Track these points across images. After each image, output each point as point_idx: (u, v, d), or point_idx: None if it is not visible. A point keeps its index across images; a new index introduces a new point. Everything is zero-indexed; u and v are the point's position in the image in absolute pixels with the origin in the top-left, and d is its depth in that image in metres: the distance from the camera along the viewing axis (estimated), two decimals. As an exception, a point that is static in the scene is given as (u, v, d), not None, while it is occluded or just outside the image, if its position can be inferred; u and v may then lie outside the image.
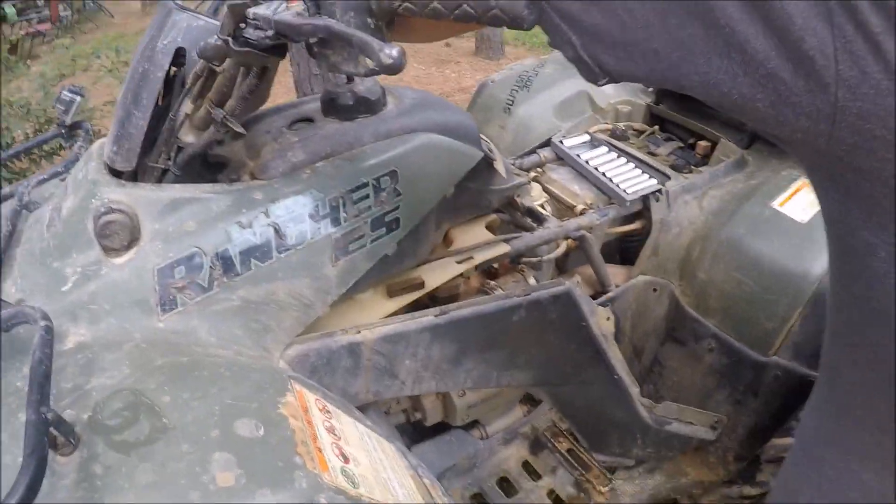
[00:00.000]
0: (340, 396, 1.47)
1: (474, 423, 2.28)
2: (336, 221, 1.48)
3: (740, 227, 2.14)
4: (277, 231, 1.41)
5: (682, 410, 2.22)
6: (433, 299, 1.96)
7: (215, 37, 1.25)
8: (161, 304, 1.29)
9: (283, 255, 1.42)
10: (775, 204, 2.16)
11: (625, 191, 2.21)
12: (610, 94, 2.74)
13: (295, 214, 1.43)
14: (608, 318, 1.95)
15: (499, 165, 1.93)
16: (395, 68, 0.98)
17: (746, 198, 2.21)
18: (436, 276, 1.79)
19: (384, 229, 1.56)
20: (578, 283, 1.80)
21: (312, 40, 1.10)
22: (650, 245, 2.28)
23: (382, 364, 1.59)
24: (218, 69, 1.32)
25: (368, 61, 1.02)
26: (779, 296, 2.01)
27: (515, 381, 1.86)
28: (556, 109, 2.64)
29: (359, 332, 1.54)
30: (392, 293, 1.71)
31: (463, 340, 1.67)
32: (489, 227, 2.03)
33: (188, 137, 1.41)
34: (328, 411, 1.25)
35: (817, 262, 1.99)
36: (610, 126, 2.62)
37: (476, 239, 1.93)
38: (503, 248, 1.91)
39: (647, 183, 2.27)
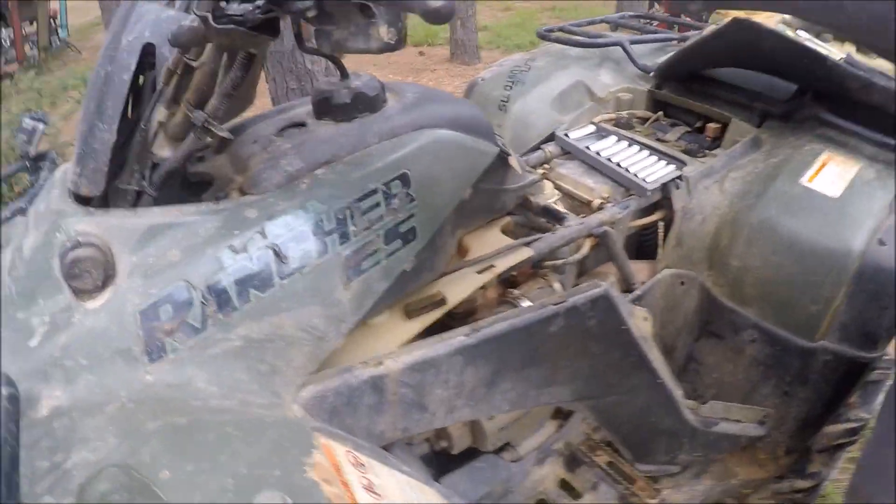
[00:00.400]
0: (365, 438, 1.22)
1: (504, 445, 2.02)
2: (345, 237, 1.24)
3: (771, 207, 1.91)
4: (277, 253, 1.17)
5: (728, 408, 1.99)
6: (450, 317, 1.70)
7: (192, 16, 0.99)
8: (148, 353, 1.05)
9: (286, 282, 1.18)
10: (804, 180, 1.94)
11: (644, 180, 1.97)
12: (608, 82, 2.50)
13: (296, 232, 1.19)
14: (645, 318, 1.71)
15: (514, 162, 1.68)
16: (444, 15, 0.73)
17: (772, 177, 1.98)
18: (456, 290, 1.54)
19: (400, 241, 1.32)
20: (613, 284, 1.56)
21: (311, 13, 0.84)
22: (673, 236, 2.04)
23: (410, 397, 1.34)
24: (195, 63, 1.07)
25: (383, 32, 0.77)
26: (821, 276, 1.80)
27: (555, 398, 1.61)
28: (554, 102, 2.40)
29: (381, 363, 1.29)
30: (411, 314, 1.46)
31: (499, 360, 1.42)
32: (504, 232, 1.78)
33: (164, 151, 1.17)
34: (362, 464, 1.00)
35: (857, 237, 1.80)
36: (613, 115, 2.38)
37: (492, 245, 1.68)
38: (526, 253, 1.66)
39: (665, 170, 2.03)
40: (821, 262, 1.80)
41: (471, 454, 1.93)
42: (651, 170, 2.03)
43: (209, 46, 1.09)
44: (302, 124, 1.40)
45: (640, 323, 1.67)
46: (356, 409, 1.28)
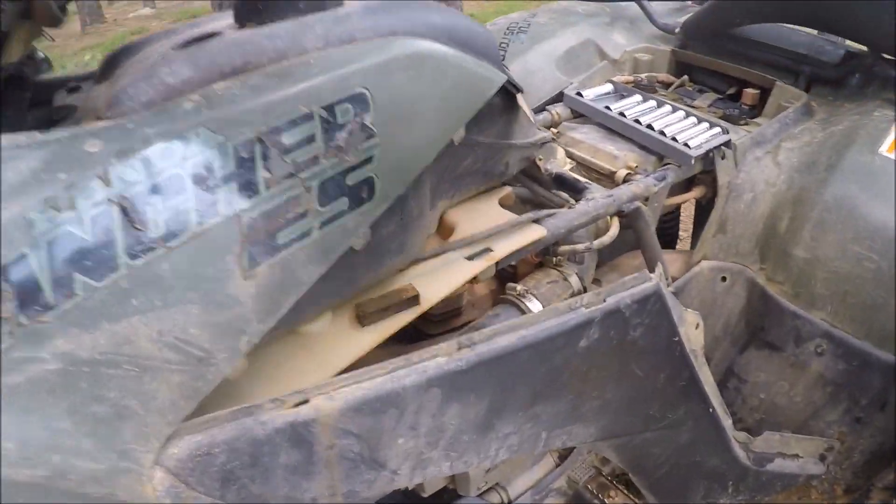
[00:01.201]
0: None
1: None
2: (250, 189, 0.73)
3: (850, 183, 1.37)
4: (126, 212, 0.66)
5: (786, 441, 1.44)
6: (424, 323, 1.14)
7: None
8: None
9: (140, 262, 0.66)
10: (883, 150, 1.39)
11: (685, 144, 1.39)
12: (621, 43, 1.94)
13: (163, 179, 0.67)
14: (697, 326, 1.14)
15: (523, 104, 1.12)
16: None
17: (843, 146, 1.43)
18: (436, 283, 0.98)
19: (346, 200, 0.78)
20: (661, 276, 0.99)
21: None
22: (715, 219, 1.49)
23: (355, 451, 0.79)
24: None
25: None
26: None
27: (575, 439, 1.05)
28: (560, 61, 1.84)
29: (305, 400, 0.72)
30: (365, 318, 0.89)
31: (498, 392, 0.86)
32: (503, 207, 1.21)
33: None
34: None
35: None
36: (631, 78, 1.81)
37: (488, 223, 1.11)
38: (536, 232, 1.10)
39: (709, 134, 1.47)
40: None
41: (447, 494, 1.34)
42: (690, 133, 1.46)
43: None
44: (216, 34, 0.83)
45: (692, 332, 1.10)
46: (267, 472, 0.74)
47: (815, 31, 1.88)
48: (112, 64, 0.86)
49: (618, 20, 2.04)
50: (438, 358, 0.78)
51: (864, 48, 1.69)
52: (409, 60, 0.83)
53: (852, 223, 1.33)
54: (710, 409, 1.19)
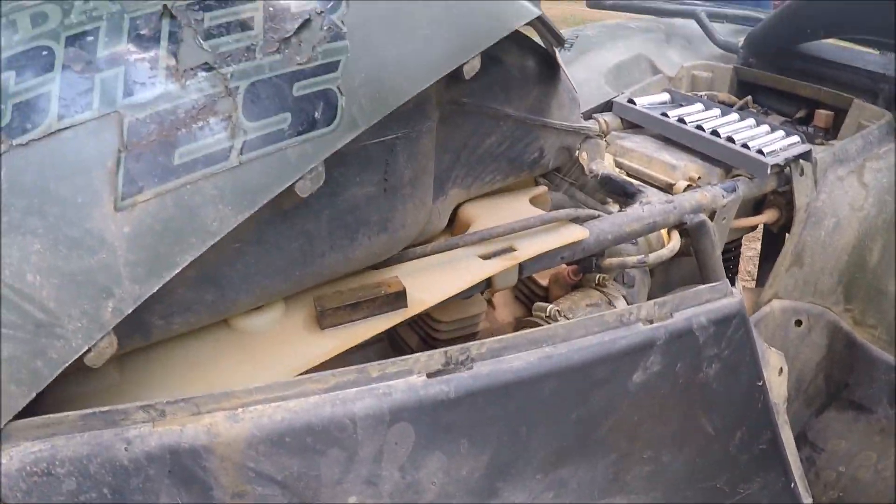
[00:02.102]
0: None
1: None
2: (142, 78, 0.45)
3: None
4: None
5: None
6: (423, 346, 0.83)
7: None
8: None
9: None
10: None
11: (759, 152, 1.08)
12: (677, 60, 1.64)
13: (24, 50, 0.43)
14: (780, 371, 0.81)
15: (566, 73, 0.82)
16: None
17: None
18: (435, 283, 0.67)
19: (288, 118, 0.48)
20: (740, 292, 0.68)
21: None
22: (790, 248, 1.16)
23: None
24: None
25: None
26: None
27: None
28: (609, 75, 1.55)
29: (198, 413, 0.40)
30: (326, 316, 0.58)
31: (507, 439, 0.53)
32: (536, 206, 0.91)
33: None
34: None
35: None
36: (689, 93, 1.50)
37: (515, 219, 0.80)
38: (575, 234, 0.79)
39: (787, 142, 1.15)
40: None
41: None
42: (764, 141, 1.15)
43: None
44: None
45: (775, 379, 0.77)
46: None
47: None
48: None
49: (673, 37, 1.76)
50: (413, 377, 0.46)
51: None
52: None
53: None
54: (792, 484, 0.85)
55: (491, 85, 0.77)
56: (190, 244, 0.45)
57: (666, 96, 1.39)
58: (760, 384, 0.71)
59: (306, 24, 0.48)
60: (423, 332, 0.87)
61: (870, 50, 1.61)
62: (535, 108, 0.84)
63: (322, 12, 0.50)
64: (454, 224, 0.87)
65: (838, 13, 1.43)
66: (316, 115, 0.50)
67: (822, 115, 1.48)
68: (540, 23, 0.73)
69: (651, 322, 0.56)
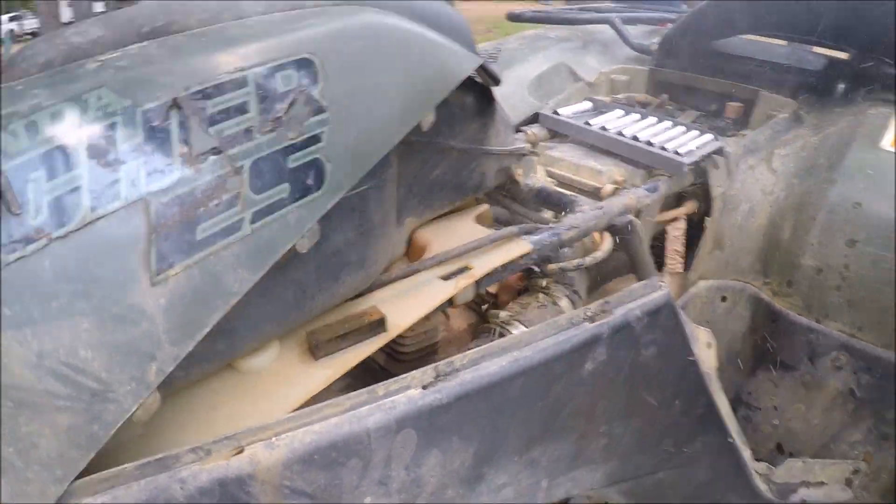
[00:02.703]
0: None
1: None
2: (162, 166, 0.55)
3: (855, 181, 1.20)
4: (0, 191, 0.48)
5: (809, 467, 1.23)
6: (393, 359, 0.94)
7: None
8: None
9: (13, 258, 0.48)
10: (886, 145, 1.23)
11: (676, 153, 1.22)
12: (595, 65, 1.79)
13: (51, 149, 0.50)
14: (709, 345, 0.95)
15: (500, 105, 0.94)
16: None
17: (843, 145, 1.28)
18: (407, 306, 0.78)
19: (287, 188, 0.59)
20: (667, 284, 0.81)
21: None
22: (710, 235, 1.31)
23: (309, 511, 0.56)
24: None
25: None
26: None
27: (580, 486, 0.84)
28: (532, 86, 1.68)
29: (241, 449, 0.50)
30: (320, 348, 0.69)
31: (489, 432, 0.65)
32: (480, 222, 1.03)
33: None
34: None
35: None
36: (608, 99, 1.64)
37: (465, 239, 0.92)
38: (520, 248, 0.91)
39: (701, 140, 1.30)
40: None
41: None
42: (680, 141, 1.29)
43: None
44: None
45: (704, 352, 0.91)
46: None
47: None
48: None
49: (590, 44, 1.90)
50: (411, 391, 0.57)
51: (845, 55, 1.57)
52: (366, 30, 0.66)
53: (863, 223, 1.16)
54: (730, 440, 0.99)
55: (437, 122, 0.89)
56: (216, 306, 0.55)
57: (588, 104, 1.52)
58: (692, 359, 0.85)
59: (293, 103, 0.59)
60: (387, 349, 0.98)
61: (779, 42, 1.77)
62: (476, 138, 0.96)
63: (304, 90, 0.60)
64: (410, 248, 0.99)
65: (743, 14, 1.60)
66: (309, 181, 0.60)
67: (733, 108, 1.65)
68: (480, 68, 0.85)
69: (595, 321, 0.68)
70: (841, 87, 1.54)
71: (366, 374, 0.82)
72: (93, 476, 0.51)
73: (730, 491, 1.09)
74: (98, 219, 0.50)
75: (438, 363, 0.60)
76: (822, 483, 1.26)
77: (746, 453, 1.09)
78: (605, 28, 1.89)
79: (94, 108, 0.51)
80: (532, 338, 0.65)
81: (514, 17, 1.97)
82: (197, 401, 0.65)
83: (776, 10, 1.53)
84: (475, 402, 0.61)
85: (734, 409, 1.38)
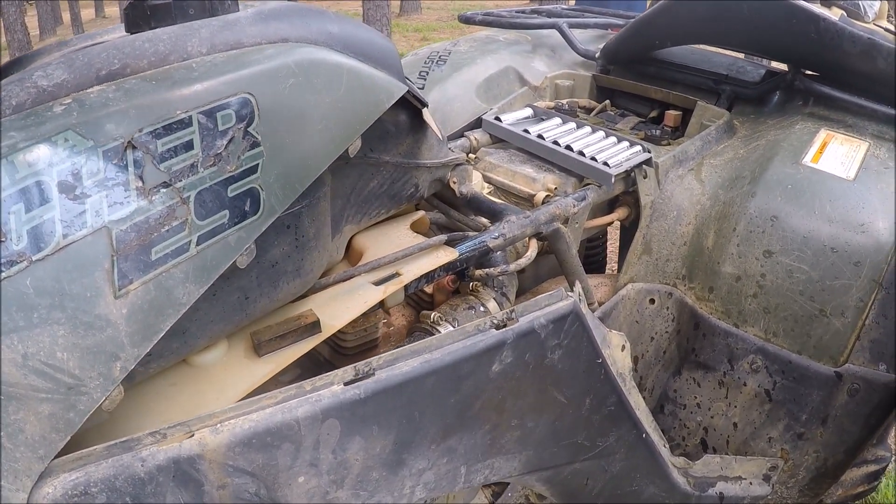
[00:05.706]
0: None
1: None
2: (120, 198, 0.68)
3: (774, 194, 1.37)
4: None
5: (727, 463, 1.41)
6: (338, 357, 1.09)
7: None
8: None
9: (3, 281, 0.62)
10: (806, 161, 1.40)
11: (605, 164, 1.38)
12: (542, 69, 1.93)
13: (28, 185, 0.63)
14: (623, 348, 1.11)
15: (430, 120, 1.09)
16: None
17: (766, 158, 1.45)
18: (340, 309, 0.93)
19: (227, 214, 0.73)
20: (580, 295, 0.96)
21: None
22: (639, 240, 1.47)
23: (251, 491, 0.72)
24: None
25: None
26: (847, 279, 1.29)
27: (497, 474, 0.99)
28: (480, 89, 1.82)
29: (191, 433, 0.65)
30: (262, 346, 0.84)
31: (405, 422, 0.80)
32: (416, 231, 1.17)
33: None
34: None
35: (884, 226, 1.29)
36: (552, 104, 1.81)
37: (399, 247, 1.07)
38: (447, 255, 1.07)
39: (630, 153, 1.46)
40: (844, 262, 1.29)
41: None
42: (610, 153, 1.45)
43: None
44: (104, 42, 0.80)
45: (618, 354, 1.07)
46: (149, 514, 0.66)
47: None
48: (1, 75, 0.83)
49: (539, 48, 2.04)
50: (334, 386, 0.72)
51: (785, 67, 1.73)
52: (298, 67, 0.79)
53: (779, 235, 1.33)
54: (644, 435, 1.16)
55: (371, 139, 1.03)
56: (169, 314, 0.69)
57: (529, 111, 1.68)
58: (600, 361, 1.00)
59: (232, 139, 0.73)
60: (332, 343, 1.12)
61: (721, 51, 1.94)
62: (409, 152, 1.10)
63: (241, 127, 0.74)
64: (349, 252, 1.13)
65: (679, 26, 1.75)
66: (246, 208, 0.74)
67: (672, 115, 1.80)
68: (407, 94, 1.00)
69: (501, 327, 0.84)
70: (775, 98, 1.72)
71: (313, 366, 0.96)
72: (69, 455, 0.66)
73: (647, 483, 1.25)
74: (69, 244, 0.64)
75: (358, 364, 0.75)
76: (740, 478, 1.44)
77: (663, 448, 1.26)
78: (554, 33, 2.03)
79: (62, 148, 0.64)
80: (443, 342, 0.80)
81: (466, 20, 2.11)
82: (155, 392, 0.79)
83: (715, 24, 1.68)
84: (391, 397, 0.76)
85: (662, 406, 1.56)
